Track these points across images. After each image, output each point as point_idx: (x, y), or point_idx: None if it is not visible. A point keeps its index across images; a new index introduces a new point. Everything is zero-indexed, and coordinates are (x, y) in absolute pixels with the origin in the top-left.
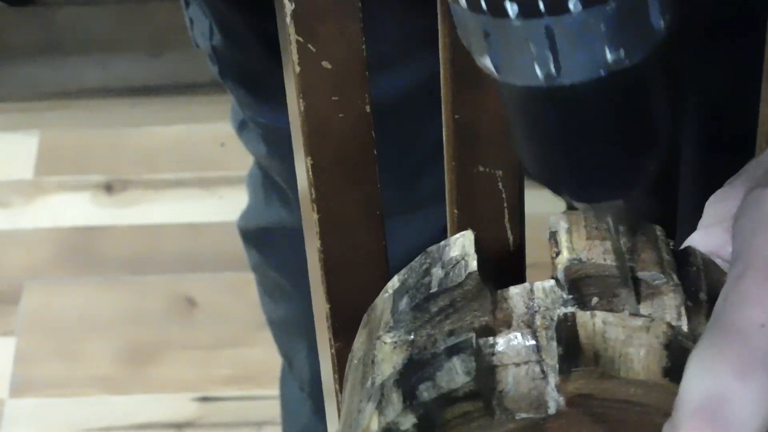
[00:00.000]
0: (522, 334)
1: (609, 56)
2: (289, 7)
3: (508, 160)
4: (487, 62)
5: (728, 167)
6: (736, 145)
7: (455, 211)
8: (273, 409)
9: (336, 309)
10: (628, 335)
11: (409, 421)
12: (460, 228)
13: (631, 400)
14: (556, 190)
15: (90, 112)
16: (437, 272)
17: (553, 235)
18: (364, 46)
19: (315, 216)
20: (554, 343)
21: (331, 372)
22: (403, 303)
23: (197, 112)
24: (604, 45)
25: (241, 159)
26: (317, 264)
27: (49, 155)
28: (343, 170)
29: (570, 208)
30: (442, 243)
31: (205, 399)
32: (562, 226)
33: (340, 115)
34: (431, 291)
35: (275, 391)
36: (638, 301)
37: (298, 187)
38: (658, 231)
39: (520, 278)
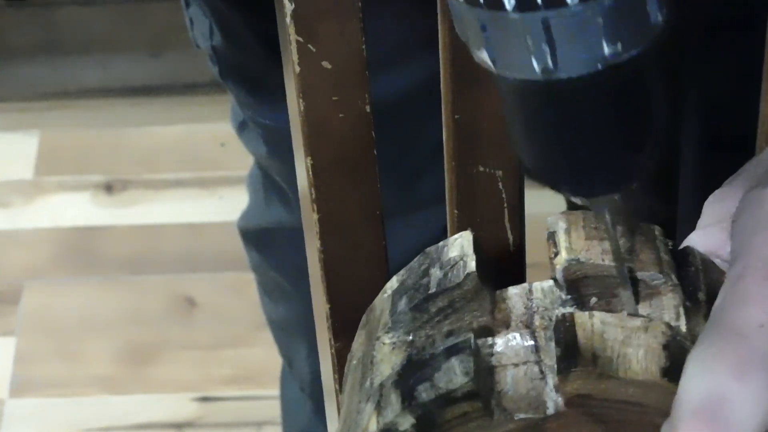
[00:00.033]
0: (521, 335)
1: (606, 50)
2: (289, 7)
3: (508, 160)
4: (484, 56)
5: (728, 167)
6: (736, 145)
7: (455, 211)
8: (273, 409)
9: (336, 309)
10: (626, 335)
11: (407, 421)
12: (460, 228)
13: (629, 401)
14: (554, 185)
15: (90, 112)
16: (436, 273)
17: (552, 236)
18: (364, 46)
19: (315, 216)
20: (553, 344)
21: (331, 372)
22: (402, 304)
23: (197, 112)
24: (602, 39)
25: (241, 159)
26: (317, 264)
27: (49, 155)
28: (343, 170)
29: (570, 207)
30: (441, 244)
31: (205, 399)
32: (561, 226)
33: (340, 115)
34: (430, 292)
35: (275, 391)
36: (637, 302)
37: (298, 187)
38: (657, 231)
39: (520, 278)
